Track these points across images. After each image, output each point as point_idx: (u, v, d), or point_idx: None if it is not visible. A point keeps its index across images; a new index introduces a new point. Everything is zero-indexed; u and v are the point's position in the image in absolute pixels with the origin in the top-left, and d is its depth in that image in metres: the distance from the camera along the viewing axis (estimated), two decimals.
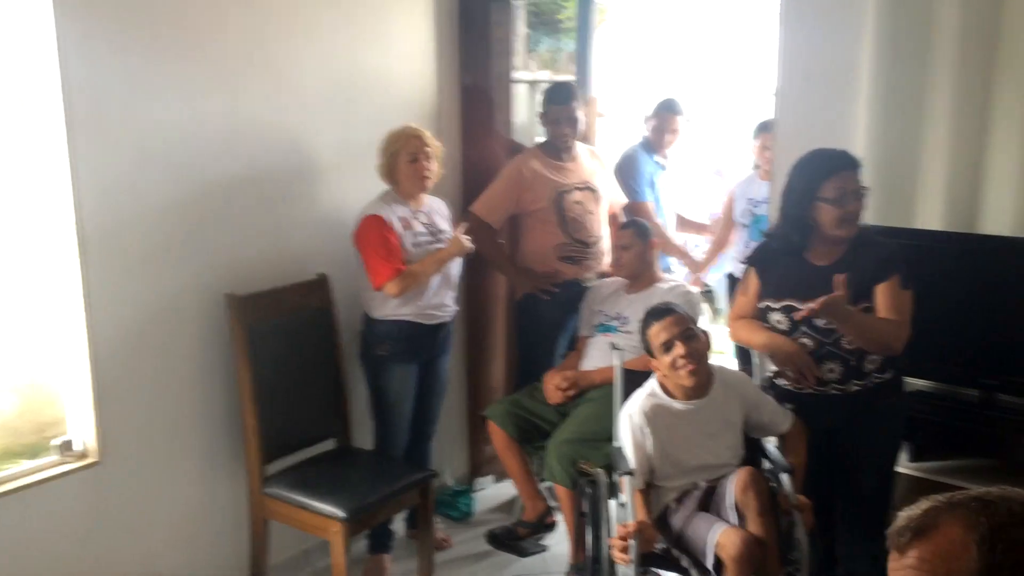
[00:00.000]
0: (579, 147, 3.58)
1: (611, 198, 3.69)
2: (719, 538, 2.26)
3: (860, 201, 2.47)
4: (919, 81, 2.97)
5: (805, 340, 2.47)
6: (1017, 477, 2.07)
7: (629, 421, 2.50)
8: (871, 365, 2.43)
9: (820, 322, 2.40)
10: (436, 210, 3.20)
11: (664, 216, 4.16)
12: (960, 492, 0.99)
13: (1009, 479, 1.75)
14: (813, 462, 2.49)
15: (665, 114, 4.07)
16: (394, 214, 3.02)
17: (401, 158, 3.02)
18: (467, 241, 3.09)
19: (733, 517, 2.32)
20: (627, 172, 4.00)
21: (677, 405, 2.49)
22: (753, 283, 2.61)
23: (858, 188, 2.48)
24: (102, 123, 2.54)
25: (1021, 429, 2.68)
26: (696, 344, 2.46)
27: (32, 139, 2.47)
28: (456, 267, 3.21)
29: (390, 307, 3.03)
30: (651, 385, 2.55)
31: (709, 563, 2.27)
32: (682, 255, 4.27)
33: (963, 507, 0.96)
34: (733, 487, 2.32)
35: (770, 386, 2.65)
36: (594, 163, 3.64)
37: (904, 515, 1.00)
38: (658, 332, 2.48)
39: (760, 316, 2.57)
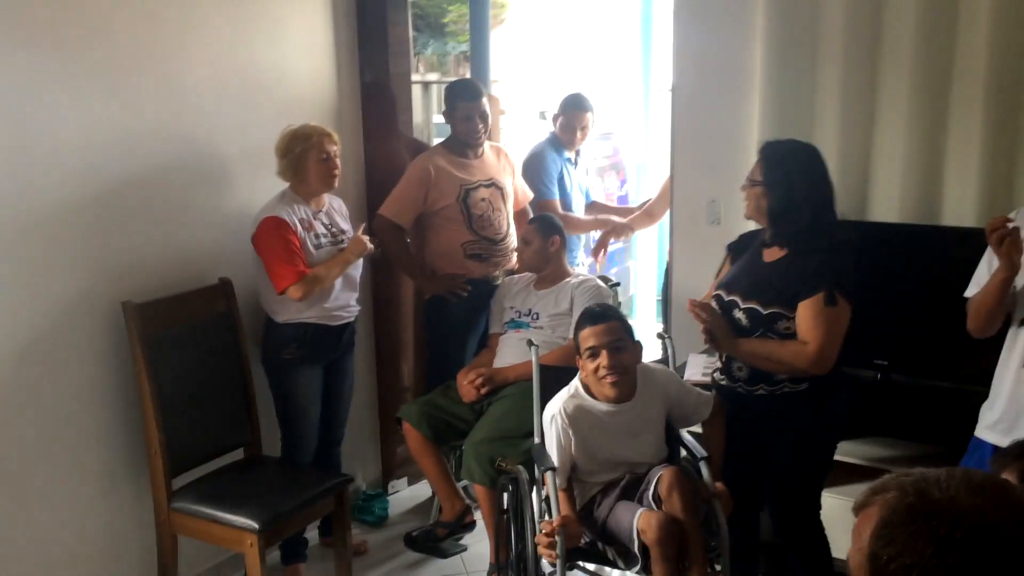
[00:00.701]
0: (484, 145, 3.57)
1: (518, 195, 3.71)
2: (638, 523, 2.28)
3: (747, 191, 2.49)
4: (809, 75, 3.10)
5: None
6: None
7: (552, 421, 2.49)
8: (782, 374, 2.39)
9: (741, 319, 2.40)
10: (336, 210, 3.15)
11: (576, 211, 4.17)
12: (904, 473, 1.01)
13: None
14: (738, 447, 2.52)
15: (573, 111, 4.10)
16: (294, 215, 2.95)
17: (311, 156, 2.95)
18: (368, 242, 3.04)
19: (655, 507, 2.35)
20: (534, 170, 4.01)
21: (600, 406, 2.47)
22: (724, 270, 2.63)
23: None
24: None
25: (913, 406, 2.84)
26: (622, 357, 2.41)
27: None
28: (358, 267, 3.15)
29: (293, 310, 2.96)
30: (575, 385, 2.53)
31: (635, 547, 2.29)
32: (602, 223, 4.18)
33: (887, 491, 1.00)
34: (656, 482, 2.34)
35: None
36: (500, 160, 3.63)
37: (863, 491, 1.04)
38: (588, 336, 2.44)
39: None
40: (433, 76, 4.96)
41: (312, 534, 3.29)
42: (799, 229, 2.36)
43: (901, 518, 0.96)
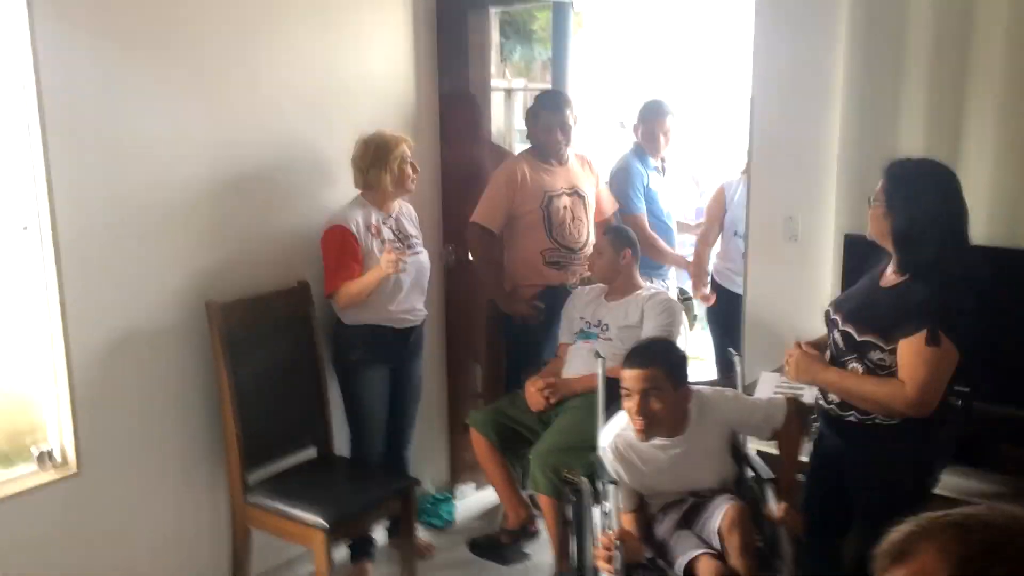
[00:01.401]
0: (569, 153, 3.61)
1: (602, 204, 3.72)
2: (698, 566, 2.26)
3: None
4: (893, 87, 3.01)
5: (828, 351, 2.37)
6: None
7: (604, 456, 2.47)
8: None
9: (838, 341, 2.30)
10: (406, 215, 3.21)
11: (669, 220, 4.13)
12: (943, 514, 0.96)
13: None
14: (823, 472, 2.42)
15: (653, 118, 4.07)
16: (363, 221, 3.02)
17: (395, 164, 3.01)
18: (394, 264, 2.96)
19: (715, 541, 2.33)
20: (620, 183, 4.01)
21: (648, 442, 2.43)
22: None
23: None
24: (78, 129, 2.51)
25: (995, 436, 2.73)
26: (652, 404, 2.33)
27: (7, 146, 2.44)
28: (426, 272, 3.20)
29: (360, 313, 3.03)
30: (626, 418, 2.47)
31: (678, 569, 2.29)
32: (681, 263, 4.18)
33: (940, 532, 0.94)
34: (718, 516, 2.31)
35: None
36: (584, 169, 3.66)
37: (888, 537, 0.98)
38: (625, 376, 2.38)
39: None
40: (520, 82, 4.98)
41: (380, 534, 3.35)
42: (923, 255, 2.20)
43: (990, 537, 0.90)
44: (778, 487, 2.40)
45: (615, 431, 2.51)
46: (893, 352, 2.21)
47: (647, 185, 4.05)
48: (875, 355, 2.24)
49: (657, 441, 2.43)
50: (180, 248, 2.81)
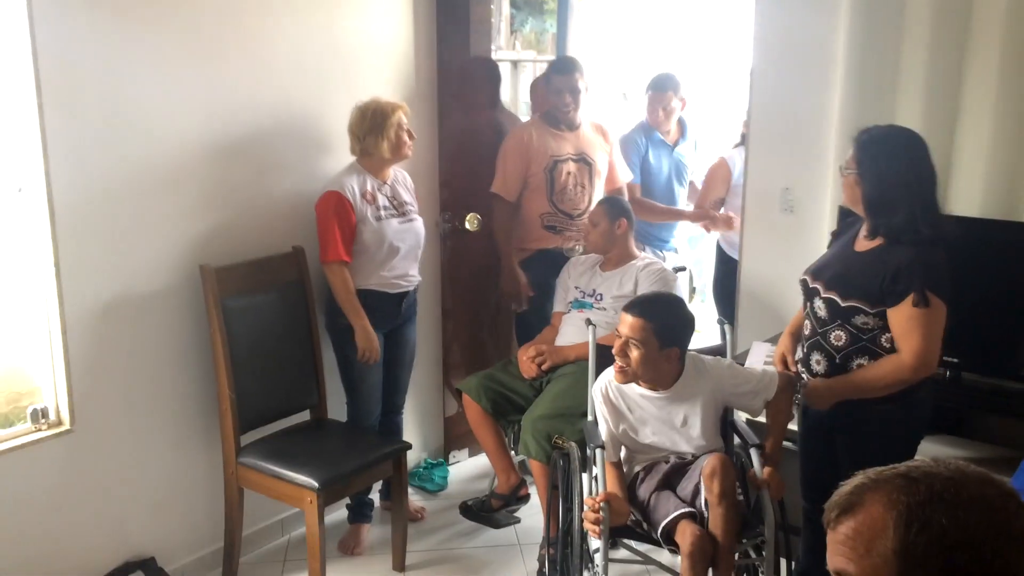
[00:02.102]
0: (583, 118, 3.63)
1: (614, 173, 3.75)
2: (677, 530, 2.32)
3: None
4: (893, 61, 3.00)
5: (807, 323, 2.43)
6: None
7: (594, 399, 2.56)
8: (860, 368, 2.31)
9: (820, 310, 2.34)
10: (401, 182, 3.21)
11: (670, 191, 4.14)
12: (890, 468, 0.99)
13: None
14: (814, 446, 2.47)
15: (655, 92, 4.07)
16: (358, 187, 3.02)
17: (391, 131, 3.01)
18: (369, 353, 3.06)
19: (698, 501, 2.36)
20: (621, 151, 4.04)
21: (637, 390, 2.50)
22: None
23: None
24: (74, 93, 2.51)
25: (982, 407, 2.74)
26: (632, 352, 2.40)
27: (2, 108, 2.45)
28: (420, 238, 3.22)
29: (353, 278, 3.04)
30: None
31: (658, 534, 2.37)
32: (675, 215, 4.20)
33: (887, 484, 0.96)
34: (700, 471, 2.34)
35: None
36: (597, 136, 3.68)
37: (838, 491, 1.00)
38: (622, 319, 2.45)
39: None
40: (529, 54, 4.98)
41: (374, 498, 3.39)
42: (895, 220, 2.25)
43: (925, 500, 0.92)
44: (764, 454, 2.43)
45: (604, 379, 2.56)
46: (877, 316, 2.25)
47: (644, 156, 4.05)
48: (859, 319, 2.27)
49: (645, 391, 2.49)
50: (176, 212, 2.83)
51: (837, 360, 2.33)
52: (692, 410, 2.48)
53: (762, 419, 2.56)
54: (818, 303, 2.35)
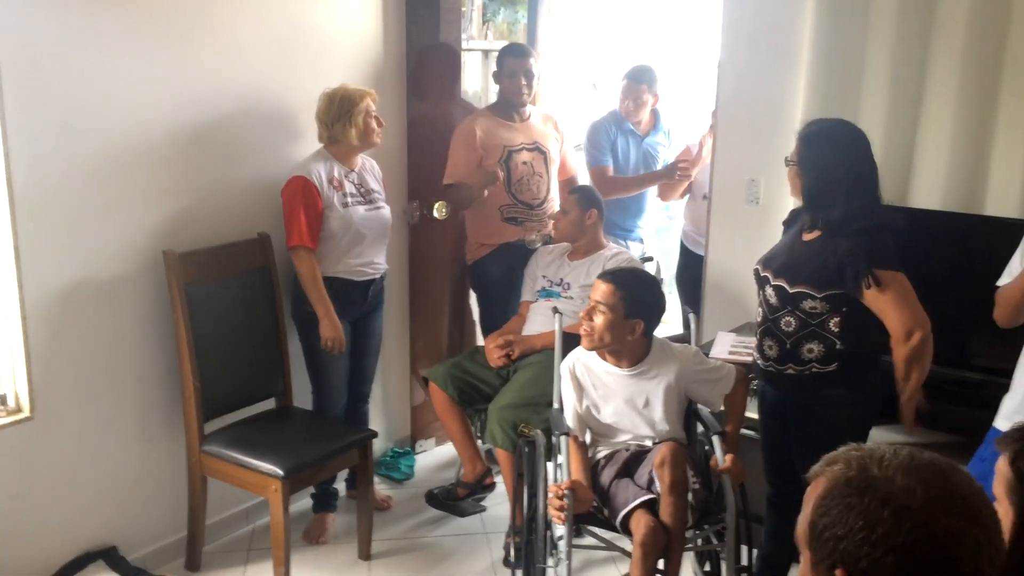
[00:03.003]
0: (532, 109, 3.63)
1: (566, 163, 3.74)
2: (632, 519, 2.36)
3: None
4: (858, 55, 3.04)
5: (759, 310, 2.48)
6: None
7: (562, 375, 2.61)
8: (810, 354, 2.35)
9: (771, 297, 2.39)
10: (368, 170, 3.19)
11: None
12: (857, 445, 1.06)
13: None
14: (772, 434, 2.53)
15: (627, 83, 4.08)
16: (325, 173, 3.00)
17: (359, 118, 2.99)
18: (333, 343, 3.04)
19: (655, 487, 2.38)
20: (588, 139, 4.07)
21: (603, 366, 2.56)
22: None
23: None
24: (33, 76, 2.46)
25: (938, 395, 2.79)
26: (596, 317, 2.47)
27: None
28: (386, 225, 3.20)
29: (321, 264, 3.02)
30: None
31: (617, 523, 2.41)
32: (649, 179, 4.12)
33: (840, 464, 1.03)
34: (654, 460, 2.38)
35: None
36: (547, 126, 3.68)
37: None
38: (593, 290, 2.54)
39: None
40: (500, 43, 4.99)
41: (339, 487, 3.38)
42: (832, 212, 2.30)
43: (840, 490, 0.99)
44: (725, 441, 2.47)
45: (572, 356, 2.62)
46: (824, 300, 2.31)
47: (614, 143, 4.06)
48: (807, 304, 2.33)
49: (611, 367, 2.54)
50: (139, 196, 2.78)
51: (788, 345, 2.38)
52: (655, 392, 2.52)
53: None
54: (768, 291, 2.41)
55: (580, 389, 2.56)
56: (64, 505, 2.72)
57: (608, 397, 2.54)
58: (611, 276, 2.54)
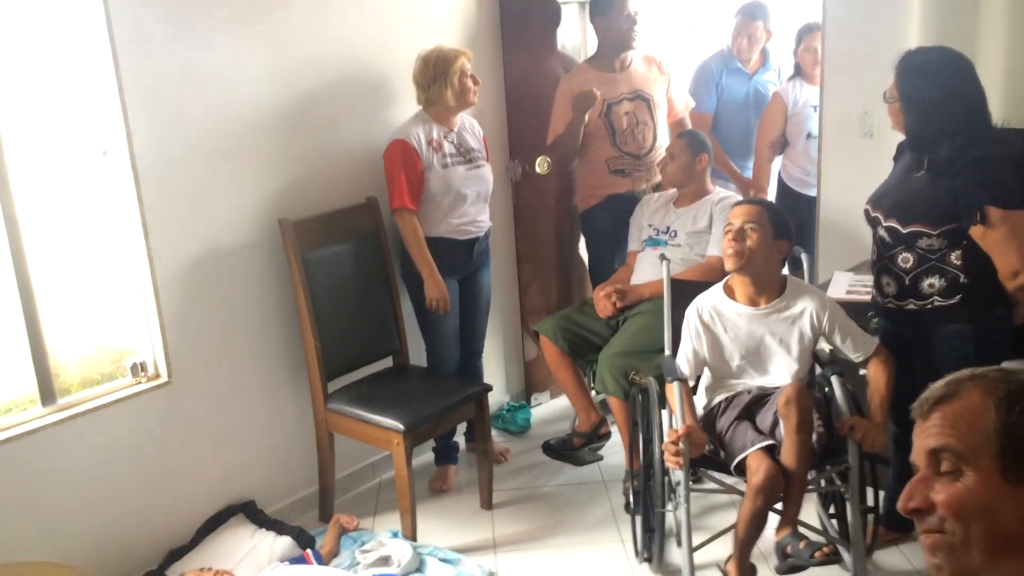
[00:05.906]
0: (633, 54, 3.57)
1: (673, 105, 3.68)
2: (749, 460, 2.32)
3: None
4: None
5: (873, 248, 2.42)
6: None
7: (689, 316, 2.56)
8: (930, 288, 2.28)
9: (885, 236, 2.32)
10: (468, 129, 3.21)
11: (752, 121, 4.05)
12: (983, 367, 1.02)
13: None
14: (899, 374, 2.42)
15: (740, 19, 3.96)
16: (424, 135, 3.04)
17: (455, 78, 3.01)
18: (438, 303, 3.09)
19: (778, 433, 2.35)
20: (696, 81, 3.96)
21: (736, 308, 2.51)
22: None
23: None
24: (148, 58, 2.59)
25: None
26: (750, 236, 2.43)
27: (80, 77, 2.54)
28: (488, 184, 3.23)
29: (423, 226, 3.08)
30: (718, 286, 2.58)
31: (732, 467, 2.38)
32: (734, 176, 4.12)
33: (983, 377, 1.00)
34: (778, 400, 2.33)
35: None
36: (651, 70, 3.61)
37: (930, 388, 1.03)
38: (734, 212, 2.53)
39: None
40: None
41: (460, 441, 3.47)
42: (939, 151, 2.19)
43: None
44: (869, 410, 2.39)
45: (698, 300, 2.59)
46: (941, 236, 2.22)
47: (719, 84, 3.96)
48: (923, 242, 2.25)
49: (742, 308, 2.50)
50: (251, 169, 2.90)
51: (907, 281, 2.30)
52: (791, 329, 2.47)
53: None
54: (881, 231, 2.33)
55: (709, 333, 2.52)
56: (204, 462, 2.90)
57: (739, 339, 2.50)
58: (750, 200, 2.61)
